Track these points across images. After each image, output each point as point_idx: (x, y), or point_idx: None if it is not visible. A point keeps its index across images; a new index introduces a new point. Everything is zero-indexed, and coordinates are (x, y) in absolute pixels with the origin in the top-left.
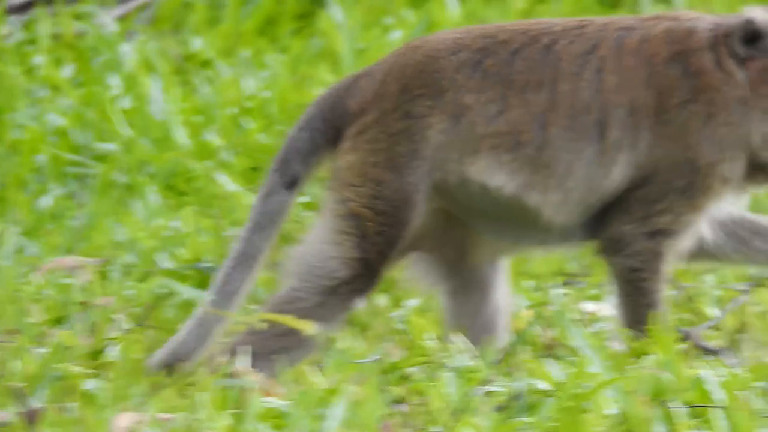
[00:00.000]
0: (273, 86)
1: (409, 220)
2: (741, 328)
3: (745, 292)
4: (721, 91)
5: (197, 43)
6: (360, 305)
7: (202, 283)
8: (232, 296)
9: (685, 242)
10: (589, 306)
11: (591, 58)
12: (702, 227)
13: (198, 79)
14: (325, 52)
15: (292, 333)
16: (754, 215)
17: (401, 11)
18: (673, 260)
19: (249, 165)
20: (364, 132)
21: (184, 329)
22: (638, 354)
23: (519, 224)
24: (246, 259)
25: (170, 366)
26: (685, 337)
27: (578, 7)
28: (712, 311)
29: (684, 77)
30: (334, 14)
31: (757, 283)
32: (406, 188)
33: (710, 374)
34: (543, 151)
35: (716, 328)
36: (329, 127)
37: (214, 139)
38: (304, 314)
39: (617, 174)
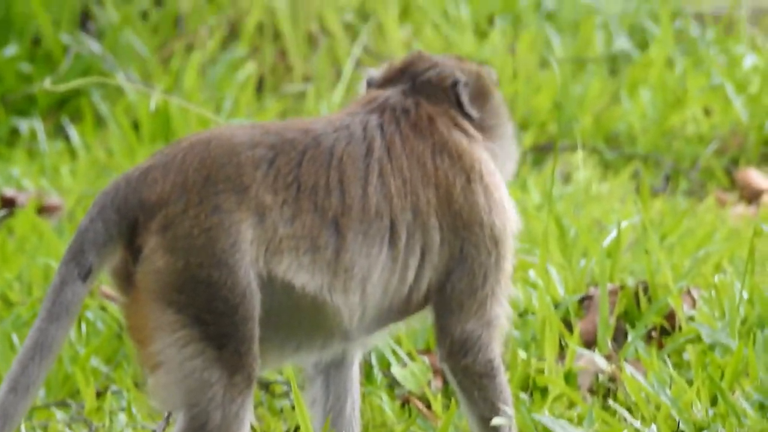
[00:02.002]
0: None
1: (252, 312)
2: None
3: None
4: (481, 157)
5: None
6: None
7: None
8: (29, 388)
9: (509, 314)
10: None
11: (370, 161)
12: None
13: None
14: None
15: None
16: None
17: None
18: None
19: None
20: (171, 226)
21: None
22: None
23: (312, 326)
24: (42, 350)
25: None
26: None
27: None
28: None
29: (452, 164)
30: None
31: None
32: (240, 283)
33: None
34: (339, 255)
35: None
36: (123, 218)
37: None
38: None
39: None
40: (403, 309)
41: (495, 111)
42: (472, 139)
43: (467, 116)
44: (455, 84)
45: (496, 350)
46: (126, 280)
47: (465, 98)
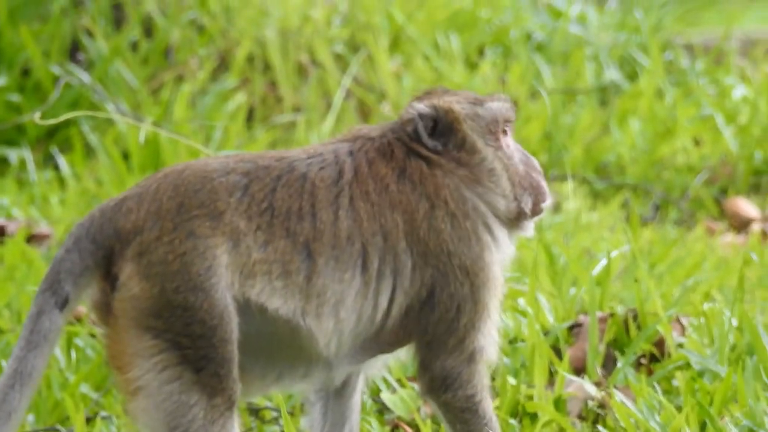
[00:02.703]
0: None
1: (231, 335)
2: None
3: None
4: (447, 184)
5: None
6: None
7: None
8: (11, 415)
9: (496, 345)
10: None
11: (341, 185)
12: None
13: None
14: None
15: None
16: None
17: None
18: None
19: None
20: (146, 253)
21: None
22: None
23: (291, 354)
24: (21, 378)
25: None
26: None
27: None
28: None
29: (413, 188)
30: None
31: None
32: (217, 305)
33: None
34: (311, 280)
35: None
36: (99, 248)
37: None
38: None
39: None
40: (380, 338)
41: (462, 143)
42: (437, 167)
43: (431, 147)
44: (412, 117)
45: (479, 385)
46: (106, 311)
47: (421, 130)
